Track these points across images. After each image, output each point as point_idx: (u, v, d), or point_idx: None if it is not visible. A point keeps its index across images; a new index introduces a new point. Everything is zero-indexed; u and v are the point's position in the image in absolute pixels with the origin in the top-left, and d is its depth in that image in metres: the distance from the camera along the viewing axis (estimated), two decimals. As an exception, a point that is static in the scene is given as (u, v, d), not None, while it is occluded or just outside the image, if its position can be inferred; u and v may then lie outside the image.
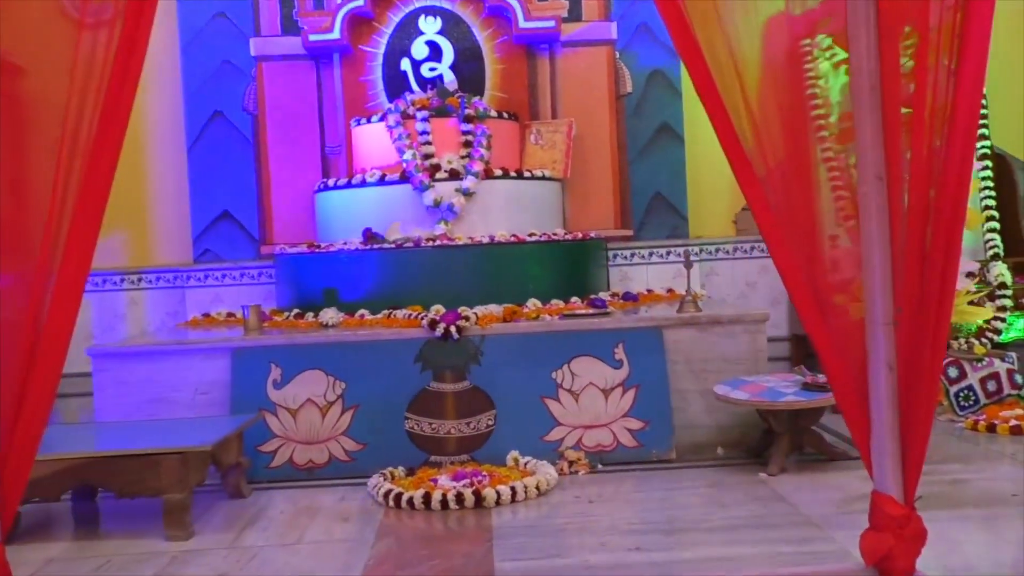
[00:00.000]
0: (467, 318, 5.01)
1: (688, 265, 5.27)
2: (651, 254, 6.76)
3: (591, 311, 5.35)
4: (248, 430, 4.65)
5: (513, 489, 4.19)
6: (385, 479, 4.50)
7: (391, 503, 4.20)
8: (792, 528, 3.66)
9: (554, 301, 5.63)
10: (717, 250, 6.82)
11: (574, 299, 5.74)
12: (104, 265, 6.63)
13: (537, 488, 4.28)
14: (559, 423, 4.88)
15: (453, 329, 4.93)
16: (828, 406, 4.55)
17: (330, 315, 5.37)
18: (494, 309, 5.27)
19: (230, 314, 6.27)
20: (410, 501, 4.16)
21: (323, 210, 6.23)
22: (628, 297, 6.10)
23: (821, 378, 4.56)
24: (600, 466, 4.78)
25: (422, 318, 5.07)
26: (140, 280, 6.70)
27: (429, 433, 4.85)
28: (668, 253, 6.73)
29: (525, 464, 4.64)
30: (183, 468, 3.87)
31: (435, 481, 4.37)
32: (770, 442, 4.74)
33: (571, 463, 4.72)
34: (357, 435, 4.84)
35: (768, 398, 4.51)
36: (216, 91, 6.67)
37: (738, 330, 5.08)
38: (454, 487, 4.25)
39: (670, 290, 6.51)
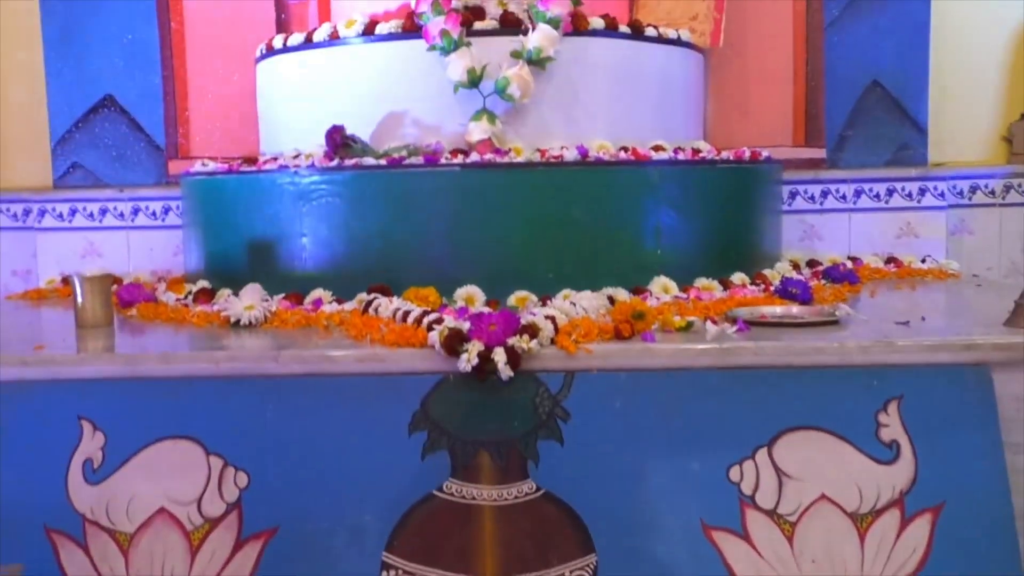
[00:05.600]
0: (532, 330, 2.16)
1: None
2: (858, 193, 3.80)
3: (805, 317, 2.48)
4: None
5: None
6: None
7: None
8: None
9: (700, 282, 2.80)
10: (973, 189, 3.86)
11: (736, 275, 2.91)
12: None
13: None
14: (746, 592, 2.05)
15: (500, 358, 2.09)
16: None
17: (246, 301, 2.56)
18: (588, 302, 2.44)
19: (116, 279, 3.50)
20: None
21: (267, 95, 3.40)
22: (835, 276, 3.21)
23: None
24: None
25: (431, 324, 2.23)
26: (-37, 214, 3.93)
27: (437, 606, 2.05)
28: (891, 192, 3.78)
29: None
30: None
31: None
32: None
33: None
34: (267, 605, 2.05)
35: None
36: None
37: None
38: None
39: (892, 259, 3.61)
